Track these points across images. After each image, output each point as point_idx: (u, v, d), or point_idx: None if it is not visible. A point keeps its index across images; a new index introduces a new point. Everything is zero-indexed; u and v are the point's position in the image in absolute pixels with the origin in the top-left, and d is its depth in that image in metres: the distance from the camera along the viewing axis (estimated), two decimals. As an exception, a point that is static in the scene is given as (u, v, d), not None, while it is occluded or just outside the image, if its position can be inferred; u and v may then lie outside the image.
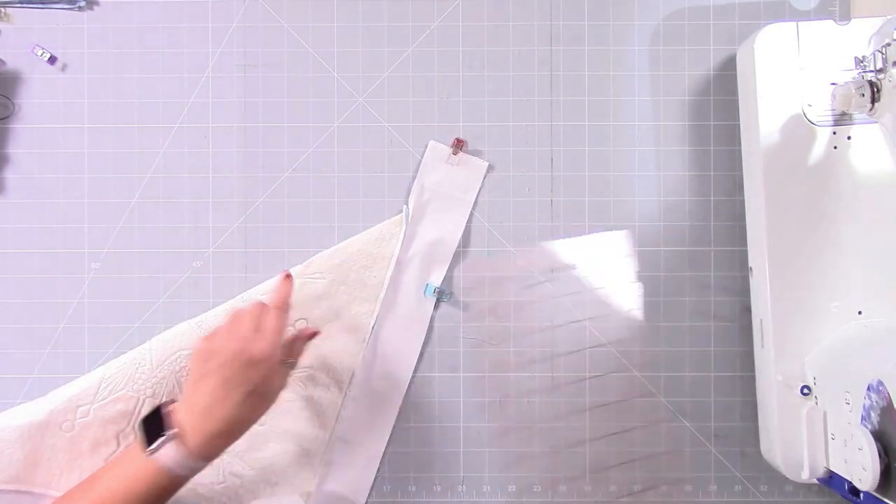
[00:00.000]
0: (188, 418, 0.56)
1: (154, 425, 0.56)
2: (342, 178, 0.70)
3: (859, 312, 0.62)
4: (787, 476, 0.62)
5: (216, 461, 0.66)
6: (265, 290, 0.68)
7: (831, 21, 0.63)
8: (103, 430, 0.65)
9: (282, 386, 0.60)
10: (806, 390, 0.61)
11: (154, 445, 0.55)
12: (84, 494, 0.56)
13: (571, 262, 0.70)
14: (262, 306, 0.60)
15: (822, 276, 0.62)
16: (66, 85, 0.70)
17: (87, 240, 0.70)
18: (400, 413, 0.69)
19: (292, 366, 0.63)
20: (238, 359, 0.57)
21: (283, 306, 0.61)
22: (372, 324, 0.69)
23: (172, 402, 0.58)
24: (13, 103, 0.69)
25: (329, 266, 0.68)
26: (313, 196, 0.70)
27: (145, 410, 0.65)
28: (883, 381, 0.52)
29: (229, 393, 0.56)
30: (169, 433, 0.55)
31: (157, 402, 0.65)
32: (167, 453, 0.55)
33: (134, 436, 0.65)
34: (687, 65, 0.70)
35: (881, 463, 0.52)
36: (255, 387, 0.57)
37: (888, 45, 0.56)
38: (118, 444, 0.66)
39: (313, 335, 0.66)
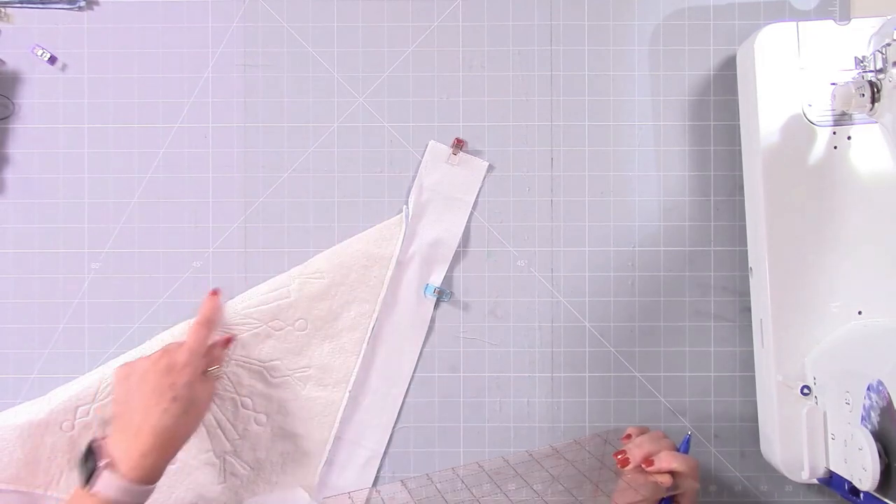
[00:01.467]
0: (119, 443, 0.56)
1: (91, 461, 0.56)
2: (342, 178, 0.70)
3: (859, 312, 0.62)
4: (787, 476, 0.62)
5: (217, 462, 0.66)
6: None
7: (831, 21, 0.63)
8: (102, 431, 0.65)
9: (208, 396, 0.61)
10: (806, 390, 0.61)
11: (90, 482, 0.55)
12: None
13: (571, 262, 0.70)
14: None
15: (822, 276, 0.62)
16: (66, 85, 0.70)
17: (87, 240, 0.70)
18: (400, 413, 0.69)
19: (217, 376, 0.63)
20: (157, 366, 0.58)
21: (205, 321, 0.62)
22: (372, 324, 0.69)
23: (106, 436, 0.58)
24: (13, 103, 0.69)
25: (329, 266, 0.68)
26: (313, 196, 0.70)
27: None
28: (883, 381, 0.52)
29: (155, 402, 0.57)
30: (100, 465, 0.55)
31: None
32: (105, 485, 0.54)
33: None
34: (687, 65, 0.70)
35: (881, 463, 0.51)
36: (179, 393, 0.57)
37: (888, 45, 0.56)
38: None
39: (229, 341, 0.66)
